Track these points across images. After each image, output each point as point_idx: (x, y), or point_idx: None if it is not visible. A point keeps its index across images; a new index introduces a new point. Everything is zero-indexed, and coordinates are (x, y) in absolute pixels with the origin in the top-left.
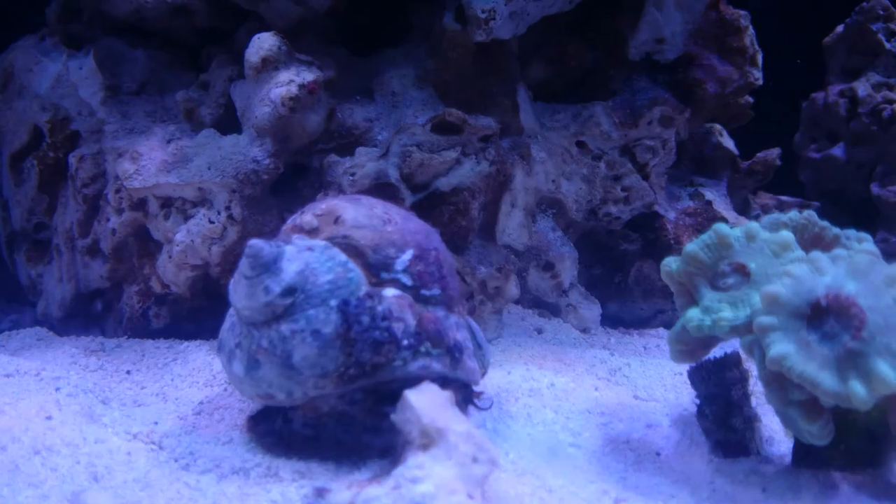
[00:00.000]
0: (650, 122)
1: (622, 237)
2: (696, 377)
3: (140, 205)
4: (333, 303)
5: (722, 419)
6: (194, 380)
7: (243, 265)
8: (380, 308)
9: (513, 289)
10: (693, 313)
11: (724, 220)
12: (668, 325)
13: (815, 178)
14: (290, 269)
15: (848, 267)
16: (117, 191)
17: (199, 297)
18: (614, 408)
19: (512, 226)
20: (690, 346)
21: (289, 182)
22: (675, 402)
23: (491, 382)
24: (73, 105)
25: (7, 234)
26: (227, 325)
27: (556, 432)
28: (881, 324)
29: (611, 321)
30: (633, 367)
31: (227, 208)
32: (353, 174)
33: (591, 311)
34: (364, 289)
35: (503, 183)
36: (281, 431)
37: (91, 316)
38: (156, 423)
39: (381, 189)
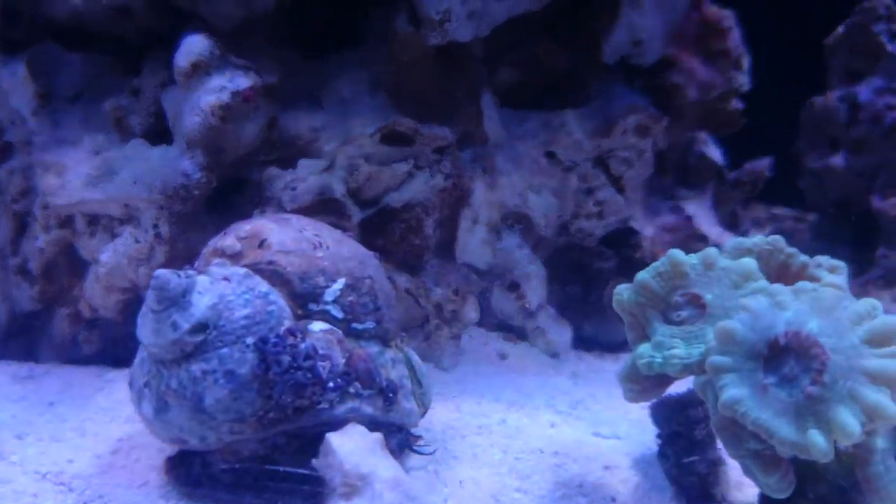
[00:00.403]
0: (625, 131)
1: (596, 254)
2: (658, 414)
3: (67, 222)
4: (250, 340)
5: (684, 462)
6: (116, 414)
7: (150, 298)
8: (303, 346)
9: (471, 312)
10: (643, 349)
11: (705, 236)
12: None
13: (815, 188)
14: (202, 302)
15: (812, 302)
16: (44, 207)
17: (131, 322)
18: (570, 446)
19: (473, 243)
20: (643, 385)
21: (226, 197)
22: (639, 439)
23: (438, 419)
24: (6, 114)
25: None
26: (137, 359)
27: (503, 475)
28: (844, 366)
29: (585, 343)
30: (598, 399)
31: (155, 226)
32: (294, 188)
33: (561, 334)
34: (287, 323)
35: (461, 198)
36: (199, 476)
37: (25, 340)
38: (70, 461)
39: (325, 205)
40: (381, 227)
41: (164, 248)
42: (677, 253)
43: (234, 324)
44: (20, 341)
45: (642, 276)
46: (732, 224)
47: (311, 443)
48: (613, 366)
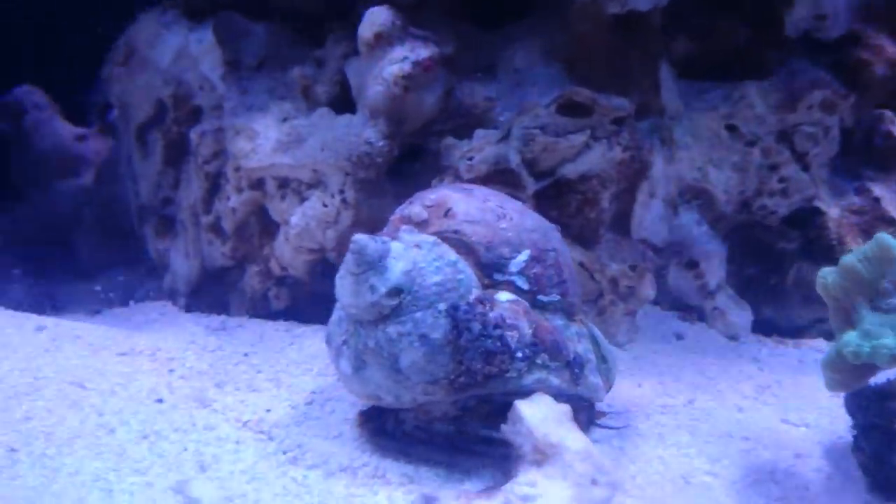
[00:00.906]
0: (810, 106)
1: (779, 234)
2: (854, 404)
3: (258, 184)
4: (442, 307)
5: (881, 455)
6: (308, 367)
7: (349, 261)
8: (492, 315)
9: (647, 289)
10: (850, 337)
11: (894, 220)
12: (828, 336)
13: None
14: (397, 267)
15: None
16: (236, 169)
17: (318, 282)
18: (759, 432)
19: (650, 218)
20: (846, 374)
21: (405, 165)
22: (830, 428)
23: (619, 395)
24: (195, 79)
25: (137, 207)
26: (334, 317)
27: (691, 457)
28: None
29: (764, 328)
30: (785, 386)
31: (341, 191)
32: (470, 159)
33: (741, 316)
34: (475, 292)
35: (639, 171)
36: (392, 432)
37: (216, 293)
38: (268, 410)
39: (500, 175)
40: (555, 199)
41: (349, 212)
42: (886, 237)
43: (427, 290)
44: (210, 295)
45: (848, 259)
46: None
47: (499, 409)
48: (795, 352)
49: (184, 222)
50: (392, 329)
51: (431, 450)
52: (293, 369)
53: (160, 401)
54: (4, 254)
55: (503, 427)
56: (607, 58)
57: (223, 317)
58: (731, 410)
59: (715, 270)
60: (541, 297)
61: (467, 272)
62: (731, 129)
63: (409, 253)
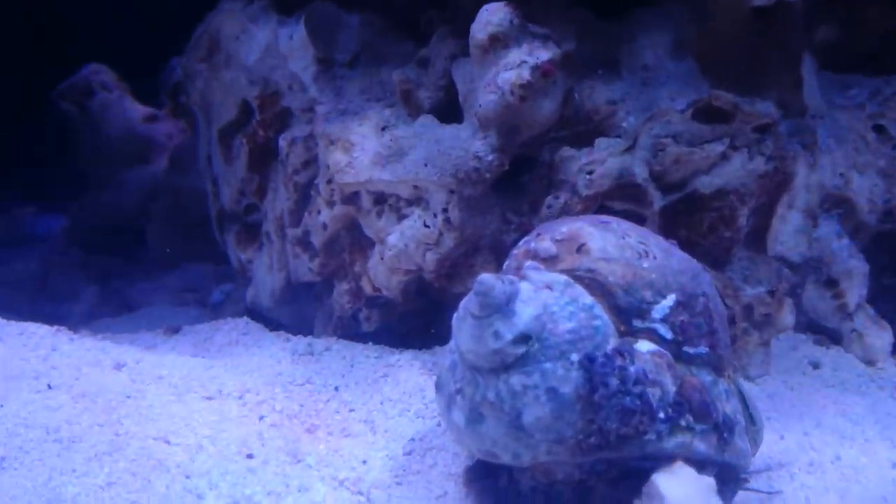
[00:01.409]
0: None
1: None
2: None
3: (352, 199)
4: (575, 357)
5: None
6: (405, 406)
7: (471, 303)
8: (632, 369)
9: (787, 317)
10: None
11: None
12: None
13: None
14: (526, 312)
15: None
16: (329, 181)
17: (412, 301)
18: None
19: (787, 232)
20: None
21: (513, 177)
22: None
23: (760, 449)
24: (284, 78)
25: (217, 211)
26: (447, 362)
27: None
28: None
29: None
30: None
31: (444, 210)
32: (590, 172)
33: (881, 338)
34: (612, 341)
35: (782, 182)
36: (506, 491)
37: (302, 309)
38: (364, 462)
39: (623, 190)
40: (685, 216)
41: (453, 234)
42: None
43: (559, 337)
44: (295, 311)
45: None
46: None
47: (631, 475)
48: None
49: (269, 234)
50: (516, 380)
51: None
52: (389, 408)
53: (250, 456)
54: (72, 246)
55: (636, 503)
56: (747, 53)
57: (309, 338)
58: (884, 467)
59: (856, 289)
60: (687, 348)
61: (604, 318)
62: (879, 129)
63: (540, 295)
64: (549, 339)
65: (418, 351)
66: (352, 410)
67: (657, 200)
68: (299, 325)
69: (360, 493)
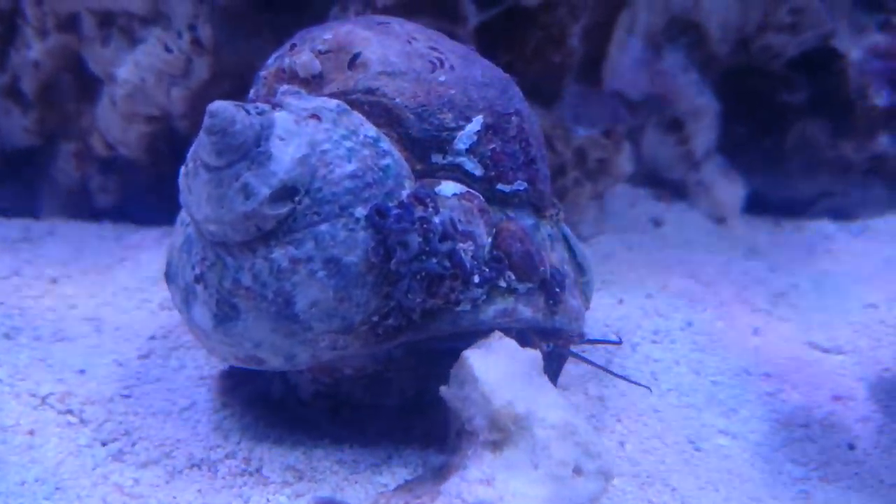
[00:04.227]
0: None
1: (782, 83)
2: None
3: (71, 23)
4: (360, 212)
5: None
6: (146, 297)
7: (203, 146)
8: (437, 220)
9: (624, 163)
10: None
11: None
12: (836, 216)
13: None
14: (286, 154)
15: None
16: (38, 2)
17: (160, 163)
18: (783, 364)
19: (626, 62)
20: None
21: None
22: (872, 355)
23: (593, 315)
24: None
25: None
26: (178, 238)
27: (699, 408)
28: None
29: (753, 204)
30: (803, 291)
31: (192, 28)
32: None
33: (731, 192)
34: (408, 185)
35: None
36: (281, 401)
37: (18, 185)
38: (82, 371)
39: (431, 0)
40: (506, 36)
41: (205, 59)
42: None
43: (336, 186)
44: (10, 187)
45: None
46: None
47: (436, 358)
48: (799, 238)
49: None
50: (280, 253)
51: (337, 424)
52: (123, 301)
53: None
54: None
55: (444, 390)
56: None
57: (27, 220)
58: (744, 333)
59: (704, 133)
60: (501, 186)
61: (394, 155)
62: None
63: (304, 129)
64: (324, 189)
65: (171, 227)
66: (73, 307)
67: (472, 15)
68: (20, 205)
69: (70, 411)
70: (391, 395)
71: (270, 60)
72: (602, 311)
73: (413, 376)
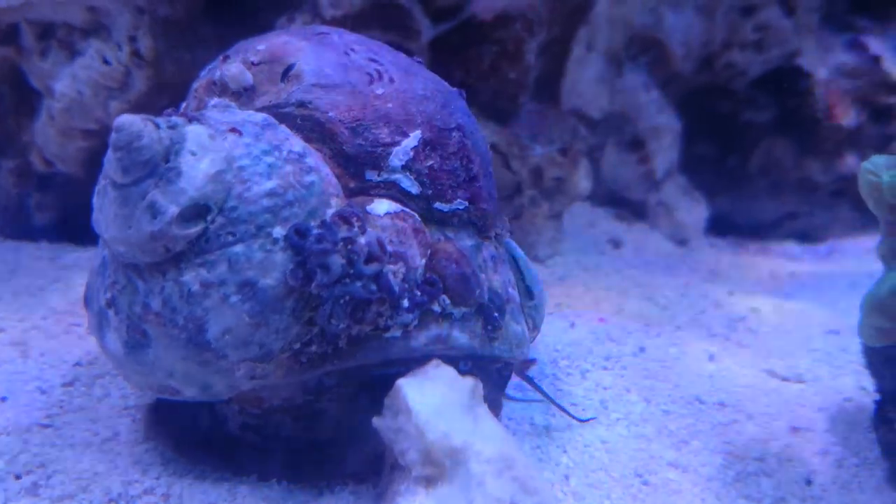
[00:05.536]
0: None
1: (747, 101)
2: (879, 358)
3: (9, 36)
4: (279, 232)
5: None
6: (75, 320)
7: (110, 163)
8: (362, 240)
9: (582, 181)
10: None
11: None
12: (801, 237)
13: None
14: (198, 170)
15: None
16: None
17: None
18: (739, 393)
19: (586, 80)
20: None
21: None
22: (833, 384)
23: (544, 340)
24: None
25: None
26: (97, 261)
27: (649, 439)
28: None
29: (717, 226)
30: (764, 316)
31: (132, 39)
32: None
33: (693, 213)
34: (335, 203)
35: (579, 9)
36: (207, 434)
37: None
38: (3, 399)
39: (382, 13)
40: (461, 51)
41: (144, 71)
42: None
43: (253, 205)
44: None
45: None
46: None
47: (375, 385)
48: (763, 261)
49: None
50: (191, 277)
51: (268, 458)
52: (52, 325)
53: None
54: None
55: (377, 422)
56: None
57: None
58: (699, 359)
59: (665, 152)
60: (439, 204)
61: (322, 172)
62: None
63: (221, 144)
64: (239, 207)
65: None
66: (1, 331)
67: (426, 29)
68: None
69: None
70: (324, 427)
71: (204, 72)
72: (553, 336)
73: (348, 407)
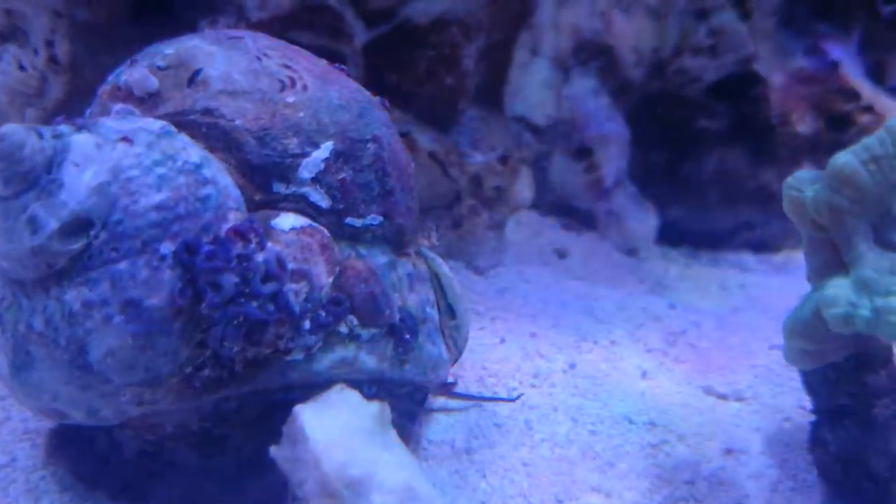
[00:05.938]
0: None
1: (700, 108)
2: (816, 377)
3: None
4: (167, 248)
5: (853, 455)
6: None
7: None
8: (259, 258)
9: (523, 191)
10: (838, 290)
11: (855, 93)
12: (755, 248)
13: None
14: (81, 182)
15: None
16: None
17: None
18: (672, 412)
19: (531, 85)
20: (825, 344)
21: (162, 2)
22: (773, 402)
23: (471, 357)
24: None
25: None
26: None
27: (573, 462)
28: None
29: (670, 235)
30: (704, 330)
31: (49, 44)
32: None
33: (643, 221)
34: (232, 217)
35: (521, 14)
36: (105, 460)
37: None
38: None
39: (311, 15)
40: (396, 56)
41: (61, 77)
42: None
43: (139, 219)
44: None
45: (844, 159)
46: (879, 79)
47: (273, 413)
48: (714, 272)
49: None
50: (72, 295)
51: (167, 485)
52: None
53: None
54: None
55: (274, 451)
56: None
57: None
58: (631, 377)
59: (614, 160)
60: (351, 219)
61: (222, 183)
62: None
63: (109, 154)
64: (124, 222)
65: None
66: None
67: (359, 33)
68: None
69: None
70: (224, 454)
71: (111, 76)
72: (481, 353)
73: (249, 434)
